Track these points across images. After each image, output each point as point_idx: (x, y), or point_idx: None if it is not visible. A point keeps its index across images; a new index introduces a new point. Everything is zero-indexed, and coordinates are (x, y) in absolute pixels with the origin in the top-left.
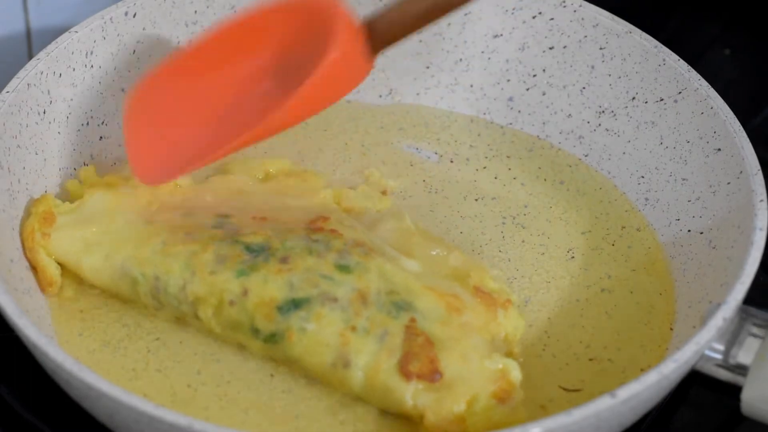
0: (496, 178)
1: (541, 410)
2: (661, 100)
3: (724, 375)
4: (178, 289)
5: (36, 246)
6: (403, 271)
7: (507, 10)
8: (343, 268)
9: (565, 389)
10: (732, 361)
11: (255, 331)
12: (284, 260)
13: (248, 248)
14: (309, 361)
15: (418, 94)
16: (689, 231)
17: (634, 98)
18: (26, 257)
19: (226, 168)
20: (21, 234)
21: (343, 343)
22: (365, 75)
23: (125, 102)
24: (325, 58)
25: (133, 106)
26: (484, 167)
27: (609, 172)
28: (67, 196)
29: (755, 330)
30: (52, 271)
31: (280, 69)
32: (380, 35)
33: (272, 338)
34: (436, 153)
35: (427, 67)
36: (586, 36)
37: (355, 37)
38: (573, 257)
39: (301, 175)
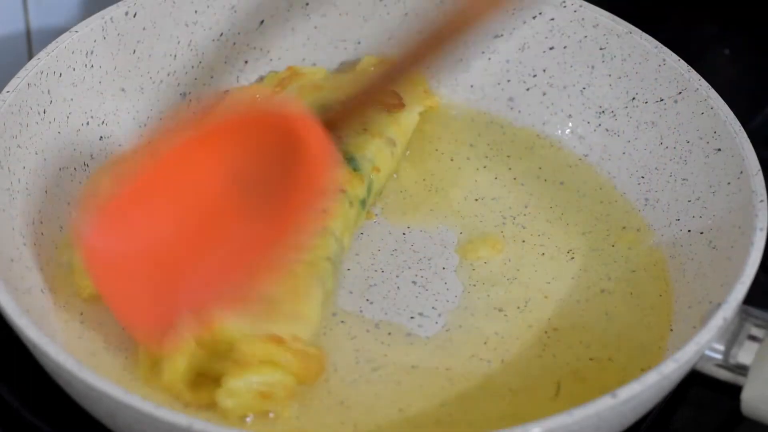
0: (496, 178)
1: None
2: (661, 100)
3: (724, 375)
4: None
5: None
6: None
7: (507, 11)
8: None
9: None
10: (732, 361)
11: None
12: None
13: None
14: None
15: None
16: (689, 231)
17: (634, 98)
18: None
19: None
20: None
21: None
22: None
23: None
24: (310, 176)
25: (95, 248)
26: (485, 167)
27: (609, 173)
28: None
29: (755, 330)
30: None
31: (238, 185)
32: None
33: None
34: (436, 151)
35: (428, 67)
36: (586, 36)
37: (325, 142)
38: (573, 258)
39: None
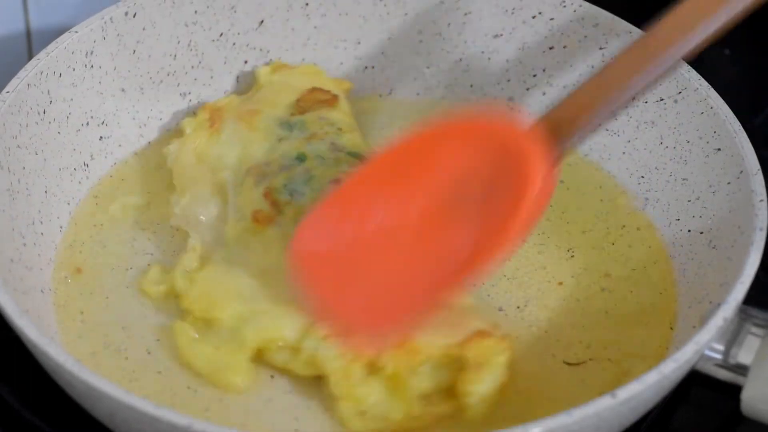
0: None
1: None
2: (661, 99)
3: (724, 375)
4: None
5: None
6: None
7: (507, 10)
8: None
9: (568, 363)
10: (732, 361)
11: None
12: None
13: None
14: None
15: (418, 93)
16: (689, 231)
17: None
18: None
19: None
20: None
21: None
22: (553, 187)
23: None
24: (525, 200)
25: (307, 255)
26: None
27: (609, 172)
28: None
29: (755, 330)
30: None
31: (451, 198)
32: (563, 137)
33: None
34: None
35: (428, 67)
36: (586, 36)
37: (546, 166)
38: (573, 256)
39: None
